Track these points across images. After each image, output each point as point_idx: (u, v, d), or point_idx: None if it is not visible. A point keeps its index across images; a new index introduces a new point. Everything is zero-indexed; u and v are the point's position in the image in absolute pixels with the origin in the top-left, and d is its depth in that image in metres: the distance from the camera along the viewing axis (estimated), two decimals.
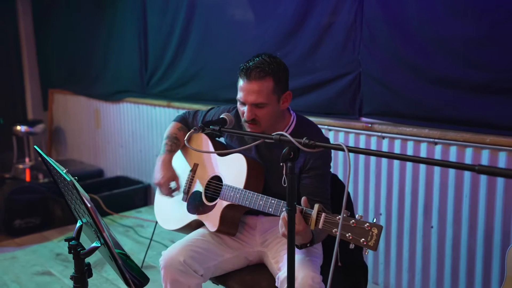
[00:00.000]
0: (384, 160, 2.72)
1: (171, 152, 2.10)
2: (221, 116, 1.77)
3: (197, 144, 2.11)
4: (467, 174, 2.39)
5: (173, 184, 2.07)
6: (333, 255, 1.93)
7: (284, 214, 1.58)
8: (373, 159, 2.77)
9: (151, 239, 2.33)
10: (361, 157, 2.82)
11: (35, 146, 1.61)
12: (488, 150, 2.29)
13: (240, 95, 1.80)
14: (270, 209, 1.70)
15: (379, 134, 2.68)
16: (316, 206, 1.54)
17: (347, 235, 1.46)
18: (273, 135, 1.45)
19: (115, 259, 1.32)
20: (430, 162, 1.23)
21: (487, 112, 2.26)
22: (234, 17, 3.47)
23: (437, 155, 2.47)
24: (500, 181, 2.28)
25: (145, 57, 4.27)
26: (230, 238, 1.93)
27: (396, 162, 2.66)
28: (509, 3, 2.13)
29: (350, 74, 2.78)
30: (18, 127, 5.28)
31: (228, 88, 3.51)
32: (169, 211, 2.11)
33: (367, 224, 1.43)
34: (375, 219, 1.45)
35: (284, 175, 1.42)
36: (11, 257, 3.32)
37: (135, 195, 4.42)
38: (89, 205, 1.23)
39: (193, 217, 1.97)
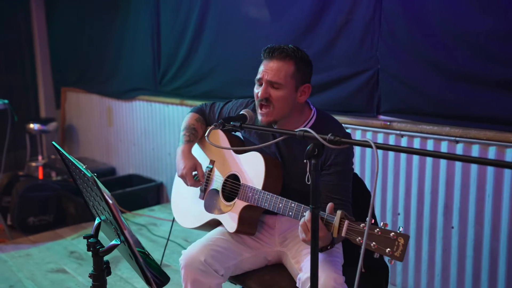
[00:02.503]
0: (403, 159, 2.66)
1: (189, 142, 2.05)
2: (241, 112, 1.73)
3: (214, 139, 2.06)
4: (490, 173, 2.33)
5: (195, 173, 1.99)
6: (352, 255, 1.89)
7: (303, 221, 1.53)
8: (391, 157, 2.72)
9: (168, 238, 2.30)
10: (379, 155, 2.77)
11: (54, 143, 1.58)
12: None
13: (258, 74, 1.78)
14: (290, 213, 1.65)
15: (398, 132, 2.63)
16: (339, 213, 1.48)
17: (371, 244, 1.40)
18: (296, 131, 1.41)
19: (136, 257, 1.29)
20: (465, 159, 1.18)
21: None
22: (249, 14, 3.43)
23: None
24: None
25: (158, 55, 4.25)
26: (249, 237, 1.89)
27: (415, 161, 2.60)
28: None
29: (368, 71, 2.73)
30: (31, 125, 5.29)
31: (243, 85, 3.48)
32: (187, 208, 2.08)
33: (393, 233, 1.37)
34: (401, 228, 1.39)
35: (307, 173, 1.37)
36: (25, 254, 3.31)
37: (147, 193, 4.41)
38: (110, 201, 1.20)
39: (211, 216, 1.93)
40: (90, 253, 1.45)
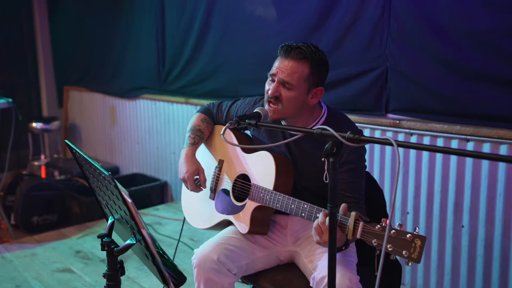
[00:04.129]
0: (412, 157, 2.65)
1: (194, 145, 2.02)
2: (255, 110, 1.71)
3: (217, 137, 2.05)
4: (501, 172, 2.31)
5: (197, 177, 1.98)
6: (366, 255, 1.88)
7: (316, 223, 1.51)
8: (400, 155, 2.70)
9: (179, 238, 2.28)
10: (388, 153, 2.76)
11: (66, 141, 1.57)
12: None
13: (273, 69, 1.75)
14: (303, 214, 1.63)
15: (407, 130, 2.62)
16: (353, 214, 1.46)
17: (388, 246, 1.38)
18: (314, 129, 1.39)
19: (153, 257, 1.27)
20: (493, 157, 1.15)
21: None
22: (255, 12, 3.41)
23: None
24: None
25: (163, 54, 4.24)
26: (261, 236, 1.87)
27: (424, 159, 2.59)
28: None
29: (376, 69, 2.71)
30: (34, 124, 5.27)
31: (249, 84, 3.46)
32: (197, 209, 2.06)
33: (409, 234, 1.35)
34: (417, 229, 1.37)
35: (325, 171, 1.36)
36: (31, 254, 3.29)
37: (152, 192, 4.39)
38: (129, 200, 1.19)
39: (222, 216, 1.91)
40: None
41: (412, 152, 2.64)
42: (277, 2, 3.24)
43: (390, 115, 2.71)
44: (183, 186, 2.19)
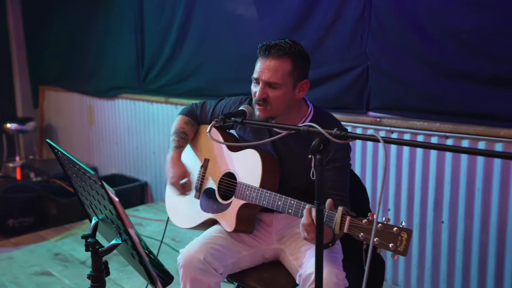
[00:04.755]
0: (393, 154, 2.68)
1: (179, 148, 2.03)
2: (240, 108, 1.71)
3: (203, 137, 2.04)
4: (479, 168, 2.36)
5: (184, 181, 2.00)
6: (351, 251, 1.89)
7: (304, 221, 1.51)
8: (381, 152, 2.73)
9: (162, 239, 2.25)
10: (369, 150, 2.78)
11: (48, 140, 1.53)
12: (502, 144, 2.27)
13: (255, 72, 1.75)
14: (290, 210, 1.64)
15: (388, 128, 2.65)
16: (340, 209, 1.47)
17: (374, 239, 1.40)
18: (300, 126, 1.40)
19: (140, 256, 1.25)
20: (487, 153, 1.17)
21: (501, 105, 2.23)
22: (236, 12, 3.40)
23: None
24: None
25: (142, 53, 4.19)
26: (247, 235, 1.87)
27: (405, 156, 2.63)
28: None
29: (357, 68, 2.74)
30: (8, 125, 5.15)
31: (231, 82, 3.46)
32: (182, 208, 2.04)
33: (396, 228, 1.37)
34: (403, 223, 1.39)
35: (312, 168, 1.36)
36: (7, 258, 3.21)
37: (131, 193, 4.33)
38: (116, 199, 1.17)
39: (208, 215, 1.90)
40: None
41: (393, 148, 2.68)
42: (258, 2, 3.24)
43: (371, 113, 2.74)
44: (167, 186, 2.18)
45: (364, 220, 1.43)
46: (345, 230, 1.45)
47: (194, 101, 3.73)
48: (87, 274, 1.45)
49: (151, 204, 4.29)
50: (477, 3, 2.23)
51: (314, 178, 1.36)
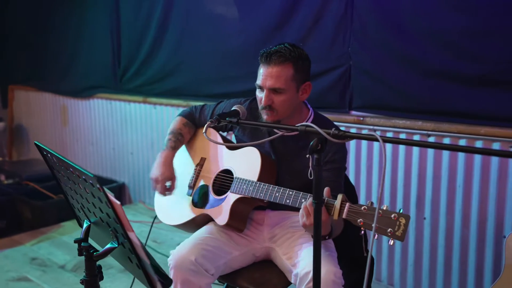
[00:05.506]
0: (376, 151, 2.72)
1: (174, 149, 2.04)
2: (233, 108, 1.71)
3: (201, 138, 2.04)
4: (460, 165, 2.42)
5: (168, 184, 2.01)
6: (342, 249, 1.91)
7: (304, 204, 1.53)
8: (364, 150, 2.77)
9: (146, 240, 2.22)
10: (352, 148, 2.82)
11: (36, 142, 1.48)
12: (481, 141, 2.34)
13: (258, 80, 1.77)
14: (288, 201, 1.65)
15: (371, 127, 2.69)
16: (340, 196, 1.50)
17: (373, 225, 1.43)
18: (298, 125, 1.40)
19: (139, 260, 1.23)
20: (468, 150, 1.21)
21: (481, 104, 2.29)
22: (216, 11, 3.38)
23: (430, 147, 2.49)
24: (493, 171, 2.33)
25: (118, 52, 4.11)
26: (237, 235, 1.86)
27: (388, 153, 2.67)
28: None
29: (340, 68, 2.77)
30: None
31: (212, 82, 3.44)
32: (172, 205, 2.03)
33: (394, 214, 1.41)
34: (401, 210, 1.43)
35: (310, 168, 1.37)
36: None
37: None
38: (118, 202, 1.14)
39: (200, 211, 1.89)
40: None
41: (376, 146, 2.72)
42: (239, 1, 3.23)
43: (354, 112, 2.77)
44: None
45: (363, 207, 1.46)
46: (344, 216, 1.48)
47: (174, 101, 3.73)
48: (80, 279, 1.41)
49: (129, 206, 4.22)
50: (457, 4, 2.29)
51: (312, 178, 1.36)
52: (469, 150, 1.22)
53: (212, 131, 2.00)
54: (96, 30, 4.24)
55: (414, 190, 2.60)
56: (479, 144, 2.36)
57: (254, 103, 1.89)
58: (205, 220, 1.90)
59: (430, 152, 2.51)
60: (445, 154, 2.47)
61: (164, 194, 2.01)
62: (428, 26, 2.41)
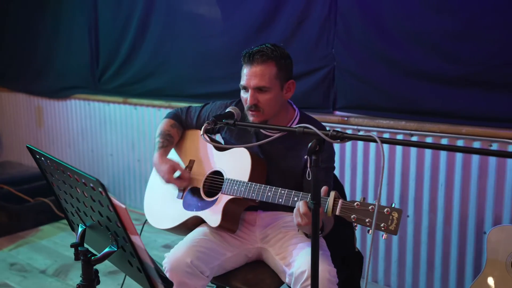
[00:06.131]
0: (360, 150, 2.77)
1: (164, 147, 2.02)
2: (227, 110, 1.71)
3: (192, 139, 2.03)
4: (442, 163, 2.49)
5: (177, 173, 1.95)
6: (331, 249, 1.94)
7: (299, 205, 1.54)
8: (348, 149, 2.81)
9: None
10: (336, 147, 2.84)
11: (28, 145, 1.45)
12: (463, 140, 2.41)
13: (242, 80, 1.78)
14: (280, 200, 1.66)
15: (355, 127, 2.73)
16: (332, 193, 1.52)
17: (366, 220, 1.46)
18: (295, 127, 1.42)
19: (142, 263, 1.22)
20: (465, 150, 1.24)
21: (462, 104, 2.36)
22: (199, 11, 3.37)
23: (413, 147, 2.55)
24: (474, 169, 2.40)
25: (96, 51, 4.04)
26: (230, 236, 1.87)
27: (372, 153, 2.72)
28: None
29: (324, 68, 2.80)
30: None
31: (194, 82, 3.42)
32: (162, 209, 2.01)
33: (387, 209, 1.44)
34: (394, 204, 1.46)
35: (308, 168, 1.38)
36: None
37: None
38: (123, 206, 1.13)
39: (191, 214, 1.88)
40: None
41: (360, 145, 2.76)
42: (222, 2, 3.23)
43: (338, 113, 2.81)
44: (147, 188, 2.14)
45: (356, 203, 1.49)
46: (337, 213, 1.50)
47: (156, 101, 3.70)
48: (77, 284, 1.39)
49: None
50: (438, 6, 2.35)
51: (309, 179, 1.38)
52: (468, 150, 1.26)
53: (199, 133, 1.98)
54: (73, 29, 4.16)
55: (397, 188, 2.65)
56: (460, 143, 2.43)
57: (240, 104, 1.90)
58: (197, 222, 1.90)
59: (413, 151, 2.57)
60: (428, 153, 2.54)
61: (185, 186, 1.95)
62: (410, 28, 2.47)
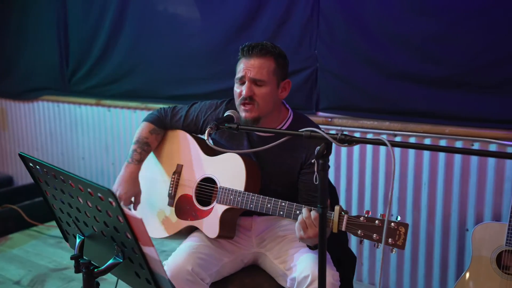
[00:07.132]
0: (344, 152, 2.78)
1: (140, 162, 1.94)
2: (227, 113, 1.67)
3: (174, 141, 1.96)
4: (425, 163, 2.54)
5: (130, 206, 1.94)
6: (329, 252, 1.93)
7: (301, 218, 1.52)
8: (343, 152, 2.80)
9: None
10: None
11: (21, 153, 1.36)
12: (445, 140, 2.46)
13: (239, 73, 1.74)
14: (281, 213, 1.63)
15: (339, 128, 2.74)
16: (337, 208, 1.50)
17: (373, 236, 1.46)
18: (302, 131, 1.40)
19: (152, 274, 1.17)
20: (464, 151, 1.26)
21: (445, 105, 2.41)
22: (176, 10, 3.30)
23: (396, 147, 2.59)
24: (456, 169, 2.46)
25: (66, 51, 3.90)
26: (227, 241, 1.83)
27: (355, 154, 2.74)
28: (467, 2, 2.29)
29: (307, 69, 2.80)
30: None
31: (171, 84, 3.35)
32: (153, 218, 1.94)
33: (393, 223, 1.44)
34: (399, 217, 1.46)
35: (315, 173, 1.37)
36: None
37: None
38: (139, 217, 1.07)
39: (186, 223, 1.83)
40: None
41: (355, 148, 2.76)
42: (200, 1, 3.17)
43: (321, 113, 2.82)
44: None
45: (361, 218, 1.48)
46: (343, 228, 1.49)
47: (131, 103, 3.60)
48: None
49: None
50: (421, 9, 2.39)
51: (317, 183, 1.37)
52: (468, 151, 1.28)
53: (182, 135, 1.95)
54: (41, 26, 3.98)
55: (381, 188, 2.69)
56: (442, 142, 2.48)
57: (231, 104, 1.86)
58: (192, 229, 1.85)
59: (397, 151, 2.61)
60: (411, 153, 2.58)
61: (128, 208, 1.92)
62: (393, 29, 2.50)
